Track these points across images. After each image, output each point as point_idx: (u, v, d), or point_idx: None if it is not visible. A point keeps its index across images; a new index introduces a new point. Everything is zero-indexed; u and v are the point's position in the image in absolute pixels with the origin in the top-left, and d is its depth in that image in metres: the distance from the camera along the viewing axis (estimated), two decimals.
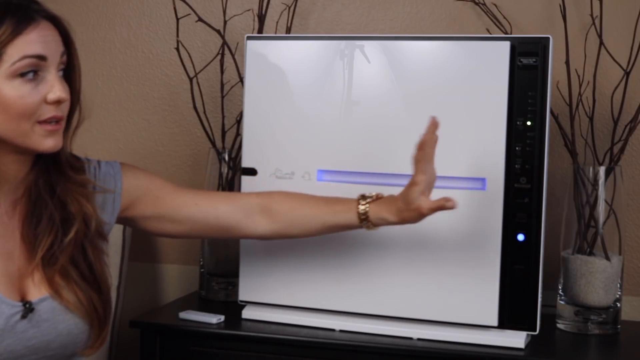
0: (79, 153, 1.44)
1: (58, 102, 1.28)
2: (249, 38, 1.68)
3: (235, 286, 1.82)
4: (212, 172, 1.90)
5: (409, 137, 1.44)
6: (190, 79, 1.97)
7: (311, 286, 1.64)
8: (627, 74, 1.74)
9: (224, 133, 1.96)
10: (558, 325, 1.70)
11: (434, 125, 1.39)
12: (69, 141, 1.36)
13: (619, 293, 1.68)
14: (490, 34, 1.85)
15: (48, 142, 1.29)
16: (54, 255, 1.33)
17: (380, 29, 1.97)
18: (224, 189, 1.89)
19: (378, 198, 1.46)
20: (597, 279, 1.66)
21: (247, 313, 1.70)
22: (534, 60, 1.51)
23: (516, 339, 1.54)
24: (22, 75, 1.24)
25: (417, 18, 1.95)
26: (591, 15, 1.76)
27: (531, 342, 1.57)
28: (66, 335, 1.32)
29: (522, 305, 1.54)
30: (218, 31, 1.97)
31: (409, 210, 1.40)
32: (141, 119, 2.15)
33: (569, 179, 1.73)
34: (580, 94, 1.76)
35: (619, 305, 1.69)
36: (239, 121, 1.95)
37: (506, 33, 1.83)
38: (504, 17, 1.86)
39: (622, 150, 1.72)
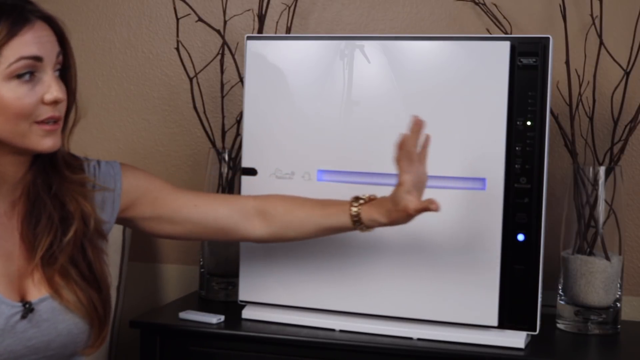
0: (79, 153, 1.45)
1: (55, 103, 1.28)
2: (249, 38, 1.68)
3: (235, 286, 1.82)
4: (212, 172, 1.90)
5: None
6: (190, 79, 1.97)
7: (311, 286, 1.64)
8: (627, 74, 1.74)
9: (224, 133, 1.96)
10: (558, 325, 1.70)
11: (417, 124, 1.39)
12: (66, 140, 1.36)
13: (619, 293, 1.68)
14: (490, 34, 1.85)
15: (46, 142, 1.29)
16: (53, 255, 1.33)
17: (380, 29, 1.97)
18: (224, 189, 1.89)
19: (371, 199, 1.47)
20: (597, 279, 1.66)
21: (247, 313, 1.70)
22: (534, 60, 1.51)
23: (516, 339, 1.54)
24: (19, 76, 1.25)
25: (417, 18, 1.95)
26: (591, 15, 1.76)
27: (531, 342, 1.57)
28: (66, 335, 1.32)
29: (522, 305, 1.53)
30: (218, 31, 1.97)
31: (397, 210, 1.40)
32: (141, 119, 2.15)
33: (569, 179, 1.73)
34: (580, 94, 1.76)
35: (619, 305, 1.69)
36: (239, 121, 1.95)
37: (506, 33, 1.83)
38: (504, 17, 1.86)
39: (622, 150, 1.72)
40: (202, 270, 1.90)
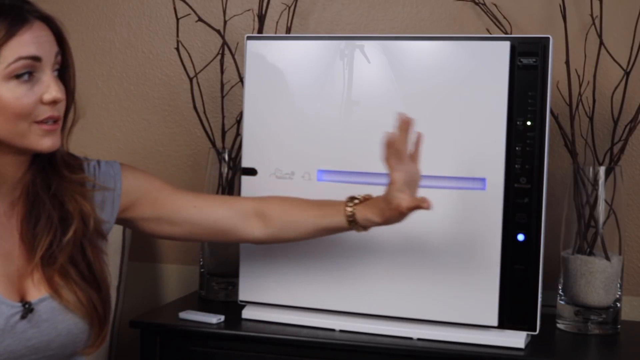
0: (79, 153, 1.45)
1: (54, 102, 1.28)
2: (249, 38, 1.68)
3: (235, 286, 1.82)
4: (212, 172, 1.90)
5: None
6: (190, 79, 1.97)
7: (311, 286, 1.64)
8: (627, 74, 1.74)
9: (224, 133, 1.96)
10: (558, 325, 1.70)
11: (404, 123, 1.38)
12: (65, 140, 1.36)
13: (619, 293, 1.68)
14: (490, 34, 1.85)
15: (46, 142, 1.29)
16: (53, 254, 1.33)
17: (380, 29, 1.97)
18: (224, 189, 1.89)
19: (366, 199, 1.46)
20: (597, 279, 1.66)
21: (247, 313, 1.70)
22: (534, 60, 1.51)
23: (516, 339, 1.54)
24: (18, 77, 1.25)
25: (417, 18, 1.95)
26: (591, 15, 1.76)
27: (531, 342, 1.57)
28: (66, 335, 1.32)
29: (522, 305, 1.53)
30: (218, 31, 1.97)
31: (390, 209, 1.40)
32: (141, 119, 2.15)
33: (569, 179, 1.73)
34: (580, 94, 1.76)
35: (619, 305, 1.69)
36: (239, 121, 1.95)
37: (506, 33, 1.83)
38: (504, 17, 1.86)
39: (622, 150, 1.72)
40: (202, 270, 1.90)
